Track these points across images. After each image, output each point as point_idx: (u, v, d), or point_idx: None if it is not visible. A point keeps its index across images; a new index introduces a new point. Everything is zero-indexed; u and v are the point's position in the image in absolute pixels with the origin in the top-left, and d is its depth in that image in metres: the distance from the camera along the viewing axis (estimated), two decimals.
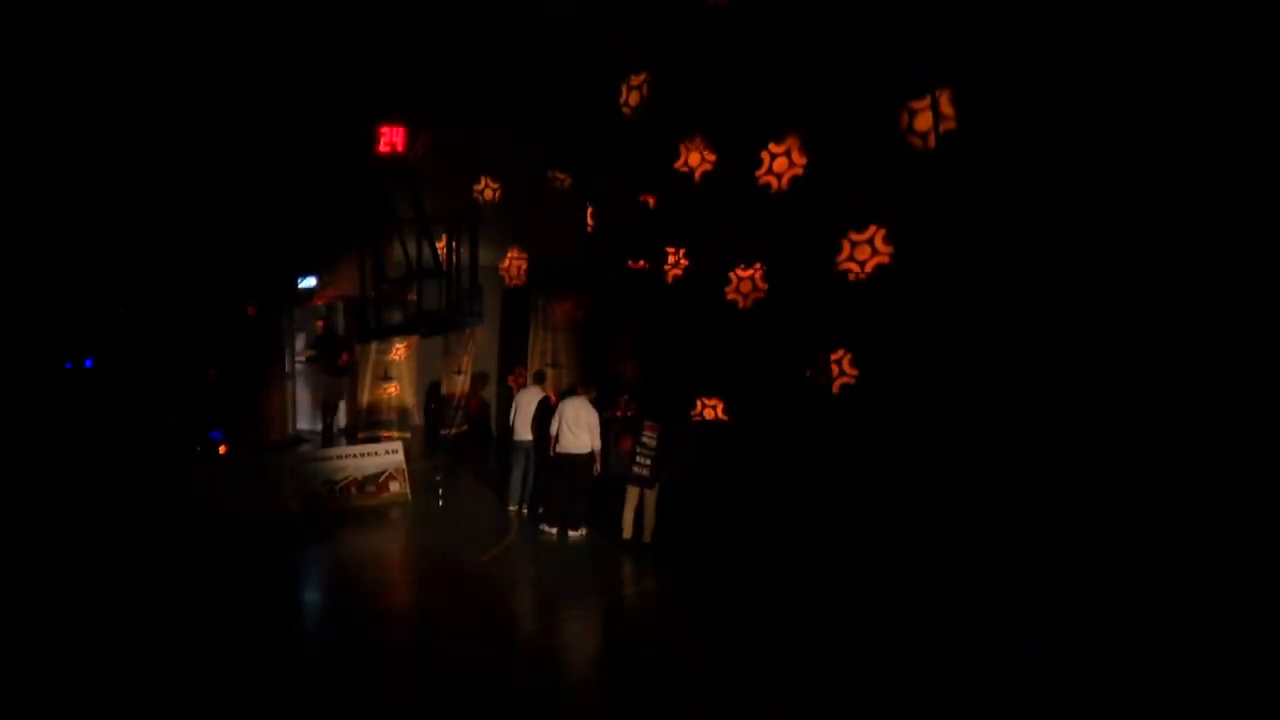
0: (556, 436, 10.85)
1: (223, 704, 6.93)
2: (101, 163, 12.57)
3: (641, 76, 14.80)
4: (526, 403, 11.69)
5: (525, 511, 11.73)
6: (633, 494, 10.58)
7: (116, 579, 9.53)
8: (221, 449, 13.51)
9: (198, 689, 7.15)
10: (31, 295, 12.57)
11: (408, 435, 14.87)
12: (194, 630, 8.21)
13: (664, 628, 8.62)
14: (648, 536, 10.57)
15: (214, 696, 7.04)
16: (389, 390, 15.10)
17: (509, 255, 16.02)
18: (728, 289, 14.45)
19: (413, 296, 14.25)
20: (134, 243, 13.00)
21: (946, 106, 12.82)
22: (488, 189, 15.90)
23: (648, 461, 10.43)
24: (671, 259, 14.97)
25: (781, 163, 14.01)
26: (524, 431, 11.57)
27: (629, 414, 11.62)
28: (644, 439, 10.44)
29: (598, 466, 10.90)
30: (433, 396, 16.12)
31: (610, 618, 8.92)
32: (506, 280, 15.93)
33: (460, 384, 15.45)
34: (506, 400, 13.62)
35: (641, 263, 15.23)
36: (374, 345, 14.74)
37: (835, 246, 13.70)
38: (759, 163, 14.05)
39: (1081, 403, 11.08)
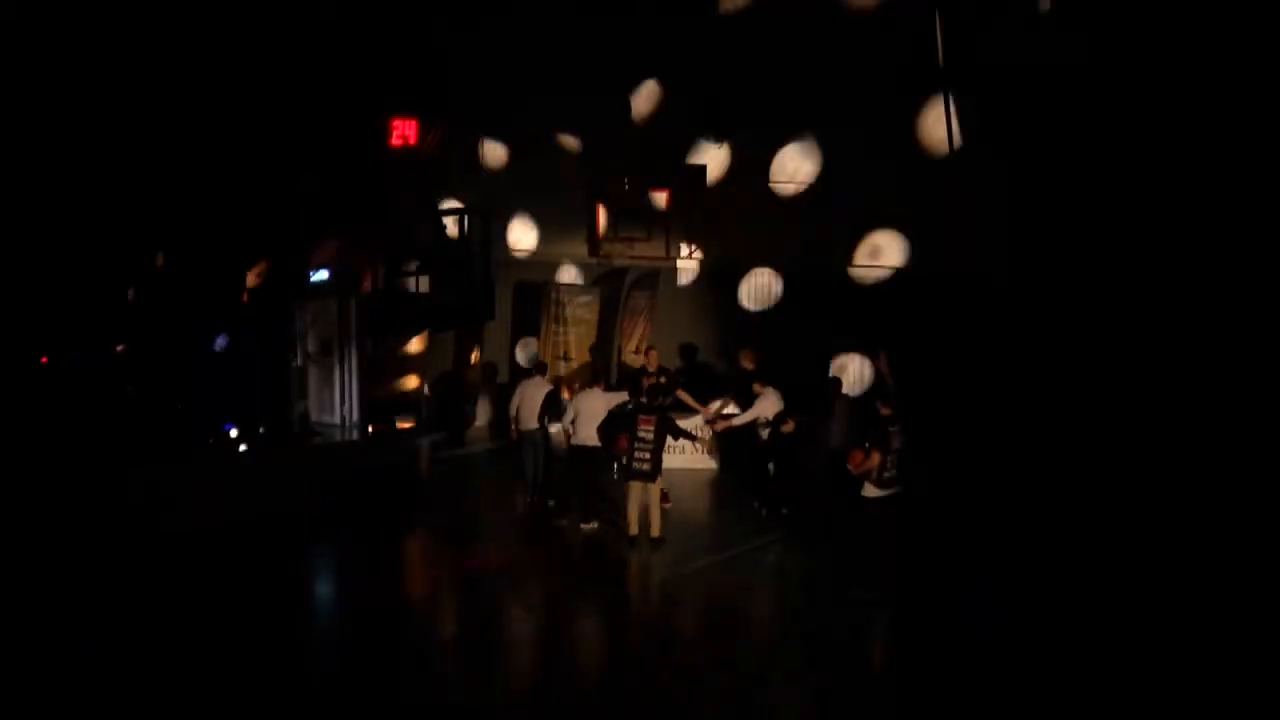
0: (574, 429, 10.80)
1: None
2: (117, 159, 12.62)
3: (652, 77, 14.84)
4: (532, 393, 11.63)
5: (537, 503, 11.71)
6: (635, 489, 10.35)
7: (123, 580, 9.32)
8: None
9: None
10: (45, 286, 12.62)
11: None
12: (208, 634, 8.08)
13: (666, 624, 8.59)
14: (655, 531, 10.40)
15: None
16: (401, 383, 15.09)
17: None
18: (741, 287, 14.46)
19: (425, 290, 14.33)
20: (147, 234, 13.05)
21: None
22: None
23: (646, 455, 10.14)
24: (684, 253, 14.96)
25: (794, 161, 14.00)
26: (530, 421, 11.52)
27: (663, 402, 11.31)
28: (640, 432, 10.13)
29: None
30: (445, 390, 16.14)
31: (613, 613, 8.88)
32: None
33: (471, 377, 15.45)
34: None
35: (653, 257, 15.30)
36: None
37: (850, 246, 13.69)
38: (771, 161, 14.05)
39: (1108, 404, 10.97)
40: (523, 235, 16.11)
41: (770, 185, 13.88)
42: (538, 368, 12.45)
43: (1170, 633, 7.76)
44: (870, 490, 8.72)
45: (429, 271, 14.30)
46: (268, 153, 13.59)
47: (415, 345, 15.20)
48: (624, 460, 10.48)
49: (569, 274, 16.02)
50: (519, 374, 14.77)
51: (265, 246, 13.84)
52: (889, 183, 13.12)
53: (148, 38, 12.71)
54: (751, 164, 14.17)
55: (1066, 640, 7.71)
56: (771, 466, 11.43)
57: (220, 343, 14.09)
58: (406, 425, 14.67)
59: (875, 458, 8.58)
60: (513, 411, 11.55)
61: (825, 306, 13.56)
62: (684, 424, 11.37)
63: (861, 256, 13.73)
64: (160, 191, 13.21)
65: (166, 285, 13.30)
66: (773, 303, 14.27)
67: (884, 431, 8.65)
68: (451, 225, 14.52)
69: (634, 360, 15.64)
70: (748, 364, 12.28)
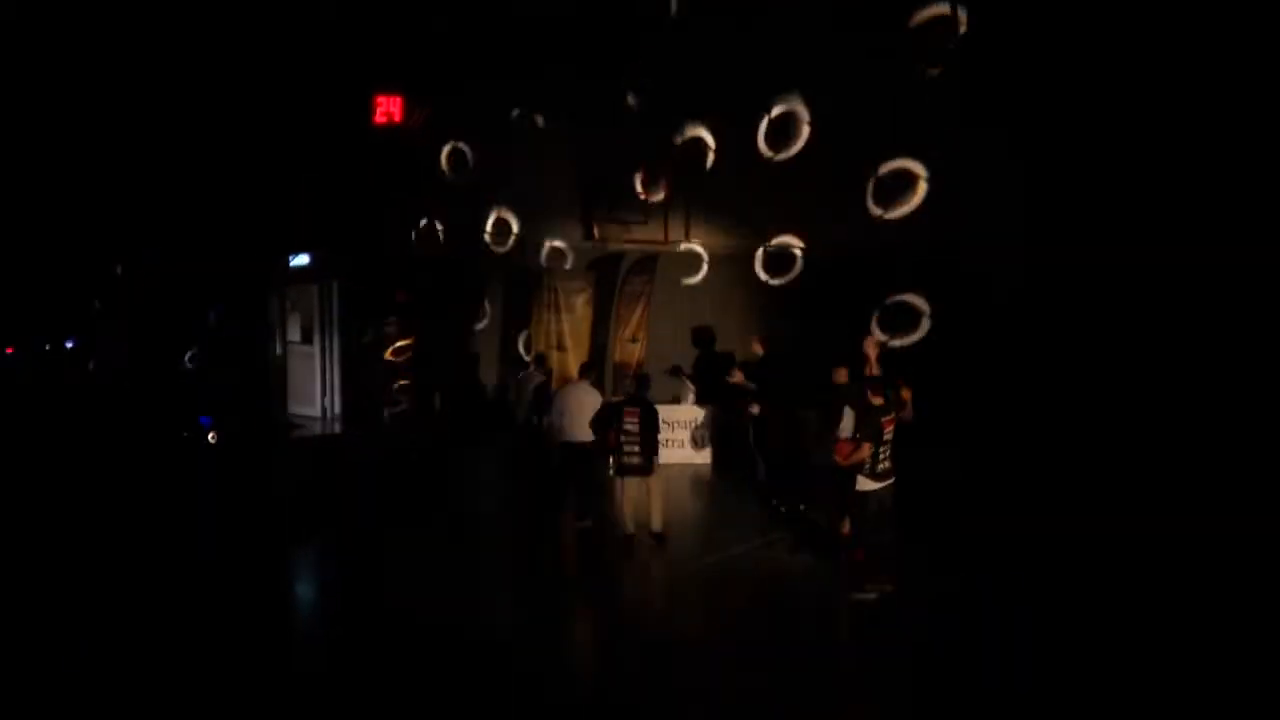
0: (560, 425, 10.15)
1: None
2: (76, 139, 11.99)
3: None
4: (579, 400, 10.88)
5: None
6: (629, 485, 9.82)
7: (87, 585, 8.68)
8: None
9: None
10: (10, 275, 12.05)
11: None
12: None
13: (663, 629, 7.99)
14: (657, 525, 9.85)
15: None
16: (386, 373, 14.42)
17: None
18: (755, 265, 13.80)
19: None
20: (114, 218, 12.39)
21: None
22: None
23: (635, 448, 9.63)
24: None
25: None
26: (577, 433, 10.69)
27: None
28: (626, 425, 9.63)
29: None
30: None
31: (605, 619, 8.33)
32: None
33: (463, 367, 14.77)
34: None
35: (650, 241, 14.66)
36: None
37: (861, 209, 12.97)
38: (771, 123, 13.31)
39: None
40: (513, 218, 15.38)
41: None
42: (535, 361, 11.66)
43: (1173, 631, 7.36)
44: (864, 484, 8.16)
45: (415, 255, 13.63)
46: (246, 131, 12.92)
47: (401, 333, 14.53)
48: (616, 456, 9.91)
49: (562, 259, 15.28)
50: (517, 367, 14.10)
51: (242, 230, 13.16)
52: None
53: (122, 23, 12.07)
54: (745, 135, 13.44)
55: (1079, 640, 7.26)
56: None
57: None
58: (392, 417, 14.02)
59: (865, 449, 8.01)
60: (556, 421, 10.25)
61: (832, 288, 12.88)
62: None
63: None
64: (131, 179, 12.58)
65: (134, 271, 12.67)
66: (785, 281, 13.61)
67: (875, 421, 8.06)
68: (440, 206, 13.84)
69: (630, 350, 14.99)
70: (758, 348, 11.67)
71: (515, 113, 13.61)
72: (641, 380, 10.40)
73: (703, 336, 14.69)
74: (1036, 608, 7.88)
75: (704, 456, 13.47)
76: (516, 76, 14.21)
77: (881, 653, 7.41)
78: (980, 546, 9.27)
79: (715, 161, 13.78)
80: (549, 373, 11.39)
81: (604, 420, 9.99)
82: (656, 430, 9.86)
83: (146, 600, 8.06)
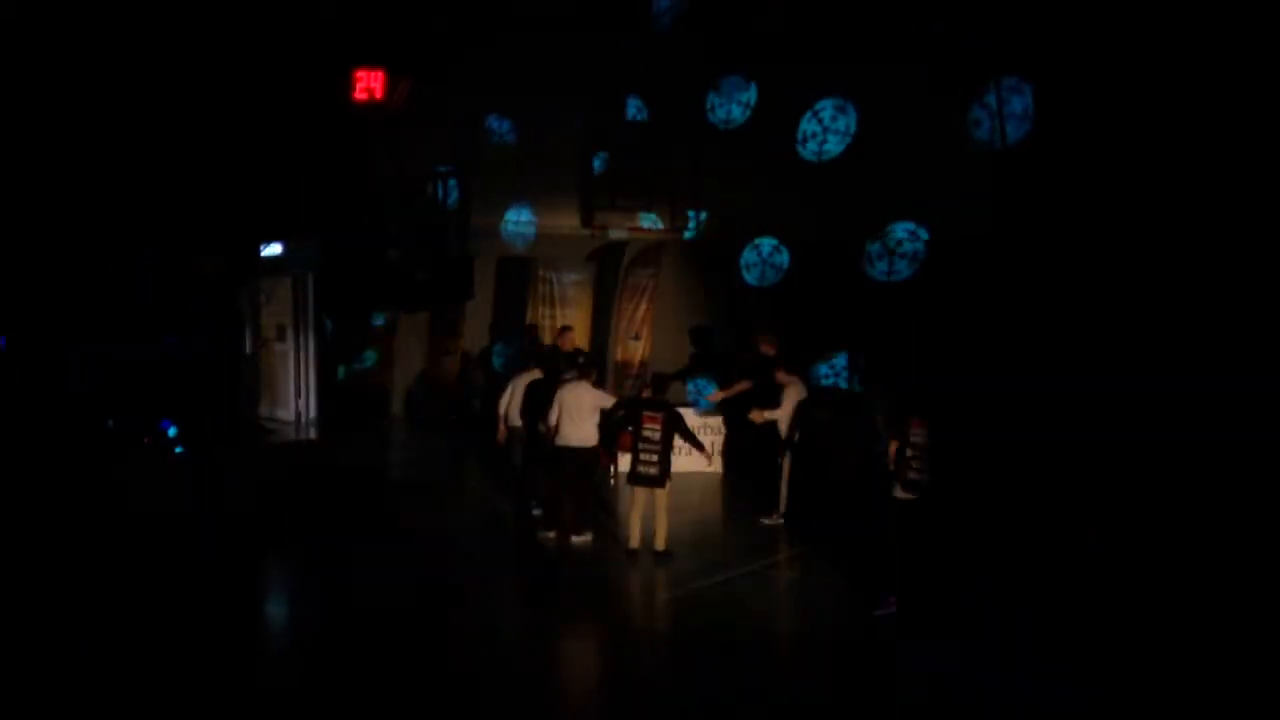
0: (556, 427, 9.19)
1: None
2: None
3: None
4: (518, 386, 9.93)
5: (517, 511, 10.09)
6: (639, 495, 9.11)
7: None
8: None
9: None
10: None
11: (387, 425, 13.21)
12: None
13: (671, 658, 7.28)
14: (661, 544, 9.06)
15: None
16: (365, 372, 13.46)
17: None
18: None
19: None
20: (64, 200, 11.31)
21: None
22: None
23: (653, 457, 8.94)
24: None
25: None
26: (516, 418, 9.85)
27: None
28: (645, 432, 8.92)
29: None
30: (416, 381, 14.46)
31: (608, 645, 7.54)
32: None
33: (449, 366, 13.77)
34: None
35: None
36: None
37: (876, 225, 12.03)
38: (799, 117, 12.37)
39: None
40: (507, 205, 14.36)
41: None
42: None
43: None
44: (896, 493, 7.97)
45: (398, 244, 12.69)
46: (211, 106, 11.86)
47: (383, 329, 13.55)
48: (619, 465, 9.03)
49: (559, 248, 14.27)
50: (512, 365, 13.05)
51: (208, 215, 12.11)
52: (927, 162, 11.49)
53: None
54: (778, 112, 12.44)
55: None
56: (786, 468, 10.19)
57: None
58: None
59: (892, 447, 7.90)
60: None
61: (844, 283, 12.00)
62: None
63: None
64: (81, 157, 11.51)
65: (88, 260, 11.59)
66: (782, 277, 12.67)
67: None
68: (424, 189, 12.91)
69: (632, 348, 13.96)
70: (768, 349, 10.64)
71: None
72: (659, 382, 9.57)
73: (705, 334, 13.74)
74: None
75: (715, 466, 12.40)
76: (513, 58, 13.31)
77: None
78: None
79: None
80: (550, 371, 10.36)
81: (617, 423, 9.34)
82: (674, 438, 9.08)
83: None
